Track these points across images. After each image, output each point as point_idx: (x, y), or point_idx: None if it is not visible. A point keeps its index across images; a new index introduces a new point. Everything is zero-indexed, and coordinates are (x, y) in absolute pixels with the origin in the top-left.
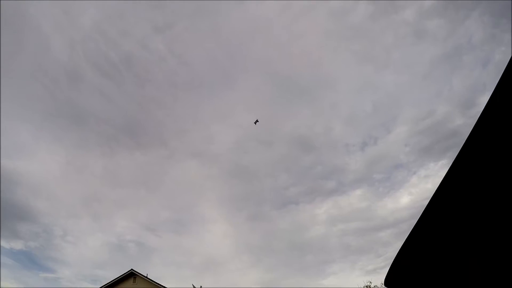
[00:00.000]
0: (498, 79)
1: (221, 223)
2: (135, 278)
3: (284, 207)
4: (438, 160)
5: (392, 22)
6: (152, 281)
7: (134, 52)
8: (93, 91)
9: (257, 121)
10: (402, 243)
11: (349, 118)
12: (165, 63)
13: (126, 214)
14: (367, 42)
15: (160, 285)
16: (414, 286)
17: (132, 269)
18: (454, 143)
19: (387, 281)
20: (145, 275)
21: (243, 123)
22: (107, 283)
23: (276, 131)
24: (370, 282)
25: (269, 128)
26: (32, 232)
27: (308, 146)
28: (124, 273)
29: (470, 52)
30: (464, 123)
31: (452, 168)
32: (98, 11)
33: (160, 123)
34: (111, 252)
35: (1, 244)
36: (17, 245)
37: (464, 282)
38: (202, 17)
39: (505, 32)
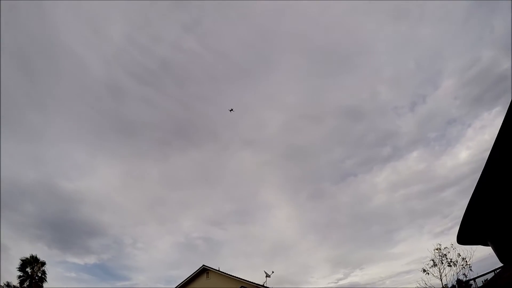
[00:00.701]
0: None
1: (283, 206)
2: (208, 273)
3: (343, 181)
4: (491, 109)
5: None
6: (225, 273)
7: (168, 55)
8: (136, 100)
9: (231, 109)
10: (469, 199)
11: (393, 79)
12: (201, 59)
13: (190, 212)
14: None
15: (233, 276)
16: (486, 240)
17: (204, 265)
18: (505, 88)
19: (459, 238)
20: (217, 269)
21: (289, 103)
22: (182, 282)
23: (323, 105)
24: (440, 245)
25: (316, 103)
26: (103, 245)
27: (357, 115)
28: (197, 270)
29: None
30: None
31: (509, 113)
32: (126, 23)
33: (208, 118)
34: (181, 252)
35: (75, 261)
36: (91, 259)
37: None
38: (227, 6)
39: None
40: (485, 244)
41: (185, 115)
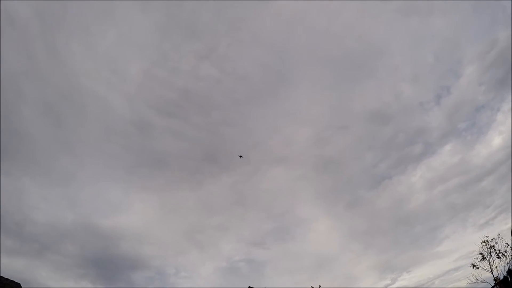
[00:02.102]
0: None
1: (321, 219)
2: None
3: (379, 185)
4: None
5: None
6: None
7: (188, 85)
8: (163, 133)
9: (241, 156)
10: None
11: (414, 76)
12: (221, 84)
13: (230, 236)
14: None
15: None
16: None
17: (250, 287)
18: None
19: None
20: None
21: (313, 116)
22: None
23: (348, 113)
24: (487, 237)
25: (340, 111)
26: (147, 277)
27: (383, 117)
28: None
29: None
30: None
31: None
32: (143, 60)
33: (236, 142)
34: (224, 276)
35: None
36: None
37: None
38: (238, 29)
39: None
40: None
41: (213, 141)
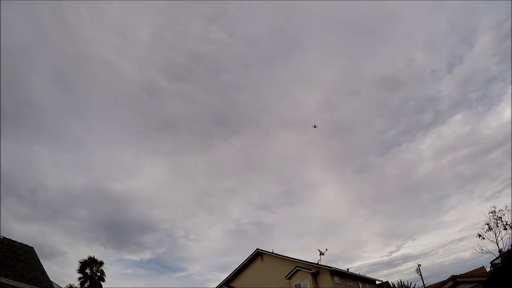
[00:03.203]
0: None
1: (330, 184)
2: (262, 256)
3: (388, 152)
4: None
5: None
6: (279, 255)
7: (198, 48)
8: (173, 97)
9: (315, 126)
10: None
11: (427, 43)
12: (230, 48)
13: (239, 199)
14: None
15: (287, 257)
16: None
17: (258, 249)
18: None
19: None
20: (271, 252)
21: (324, 80)
22: (238, 267)
23: (359, 78)
24: (495, 207)
25: (351, 76)
26: (157, 239)
27: (394, 84)
28: (251, 254)
29: None
30: None
31: None
32: (152, 24)
33: (245, 105)
34: (233, 239)
35: (131, 258)
36: (146, 255)
37: None
38: None
39: None
40: None
41: (222, 105)
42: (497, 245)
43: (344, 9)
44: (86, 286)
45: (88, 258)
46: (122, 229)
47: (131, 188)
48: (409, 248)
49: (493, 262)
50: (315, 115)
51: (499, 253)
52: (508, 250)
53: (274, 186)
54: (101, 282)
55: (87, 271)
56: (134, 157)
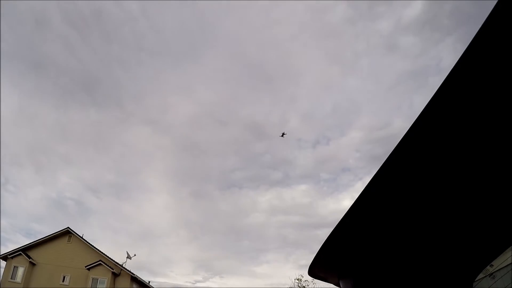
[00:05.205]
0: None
1: (163, 194)
2: (70, 236)
3: (228, 189)
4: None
5: (367, 29)
6: (87, 242)
7: (106, 6)
8: (57, 39)
9: (283, 133)
10: (324, 241)
11: (306, 114)
12: (136, 24)
13: (70, 170)
14: (339, 44)
15: (95, 247)
16: (330, 274)
17: (68, 228)
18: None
19: (310, 271)
20: (81, 235)
21: (202, 99)
22: (42, 238)
23: (233, 113)
24: (302, 276)
25: (227, 108)
26: None
27: (261, 133)
28: (60, 230)
29: (437, 75)
30: None
31: (376, 175)
32: None
33: (119, 85)
34: (49, 207)
35: None
36: None
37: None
38: None
39: None
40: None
41: (99, 73)
42: None
43: (252, 48)
44: None
45: None
46: None
47: None
48: (215, 283)
49: None
50: (179, 126)
51: None
52: None
53: (110, 172)
54: None
55: None
56: None
